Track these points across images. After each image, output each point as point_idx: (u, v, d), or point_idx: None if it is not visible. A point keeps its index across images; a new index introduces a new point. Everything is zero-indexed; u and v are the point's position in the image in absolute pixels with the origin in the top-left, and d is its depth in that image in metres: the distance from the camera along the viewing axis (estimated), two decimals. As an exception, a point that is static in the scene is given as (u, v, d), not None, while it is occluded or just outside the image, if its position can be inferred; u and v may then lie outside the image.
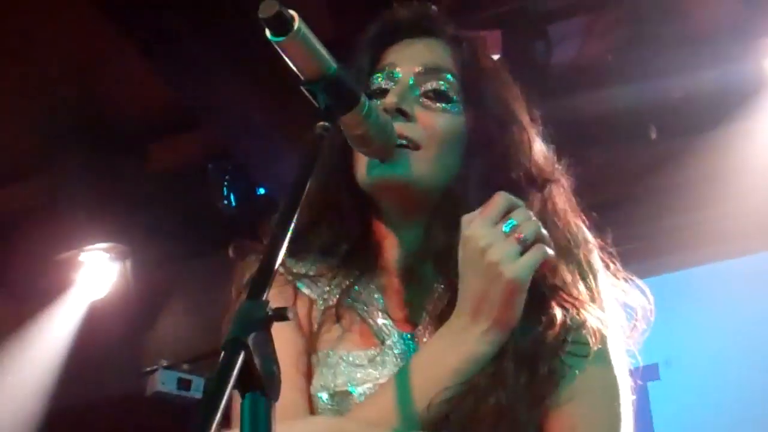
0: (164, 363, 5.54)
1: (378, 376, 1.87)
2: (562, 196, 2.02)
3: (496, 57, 3.82)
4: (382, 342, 1.92)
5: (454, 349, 1.78)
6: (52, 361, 5.75)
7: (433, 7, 2.13)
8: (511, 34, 4.68)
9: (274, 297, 1.74)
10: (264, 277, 1.45)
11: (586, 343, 1.85)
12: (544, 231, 1.76)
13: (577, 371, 1.82)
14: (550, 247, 1.76)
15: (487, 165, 1.97)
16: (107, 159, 5.57)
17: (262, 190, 5.56)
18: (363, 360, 1.90)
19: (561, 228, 1.96)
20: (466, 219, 1.78)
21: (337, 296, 1.99)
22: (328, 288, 2.01)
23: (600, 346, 1.87)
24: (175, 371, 5.50)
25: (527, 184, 1.97)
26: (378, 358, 1.90)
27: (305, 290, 2.02)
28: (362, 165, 1.95)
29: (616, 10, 4.92)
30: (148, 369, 5.58)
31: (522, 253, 1.74)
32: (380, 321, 1.96)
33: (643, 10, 4.84)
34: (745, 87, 4.84)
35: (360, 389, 1.86)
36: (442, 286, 1.95)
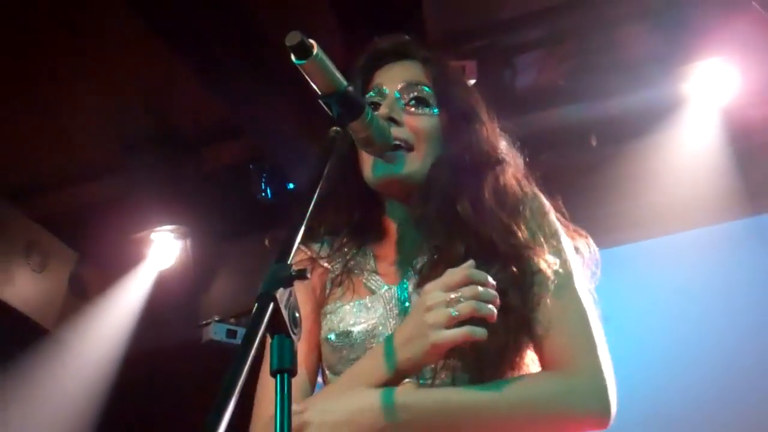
0: (216, 317, 5.54)
1: (370, 317, 1.92)
2: (513, 171, 2.04)
3: (472, 81, 3.82)
4: (373, 293, 1.95)
5: (378, 364, 1.76)
6: (130, 317, 5.75)
7: (406, 36, 2.15)
8: (485, 64, 4.67)
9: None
10: (288, 246, 1.47)
11: (546, 279, 1.87)
12: (483, 308, 1.66)
13: (547, 301, 1.83)
14: (483, 323, 1.68)
15: (456, 151, 1.99)
16: (172, 160, 5.57)
17: (291, 185, 5.55)
18: (360, 307, 1.93)
19: (510, 195, 1.98)
20: (444, 276, 1.74)
21: (341, 265, 2.03)
22: (337, 259, 2.05)
23: (564, 281, 1.89)
24: (224, 324, 5.51)
25: (485, 163, 2.00)
26: (369, 305, 1.93)
27: (321, 262, 2.06)
28: (368, 166, 1.99)
29: (566, 45, 4.90)
30: (203, 322, 5.58)
31: (460, 323, 1.67)
32: (371, 278, 1.98)
33: (587, 45, 4.82)
34: (665, 105, 4.83)
35: (357, 328, 1.90)
36: (427, 250, 1.96)
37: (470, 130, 2.01)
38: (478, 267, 1.80)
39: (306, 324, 1.95)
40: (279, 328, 1.34)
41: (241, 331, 5.44)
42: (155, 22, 4.48)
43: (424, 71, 2.06)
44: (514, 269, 1.86)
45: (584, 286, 1.97)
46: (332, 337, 1.92)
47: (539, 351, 1.87)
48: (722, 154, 4.83)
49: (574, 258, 1.99)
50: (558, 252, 1.94)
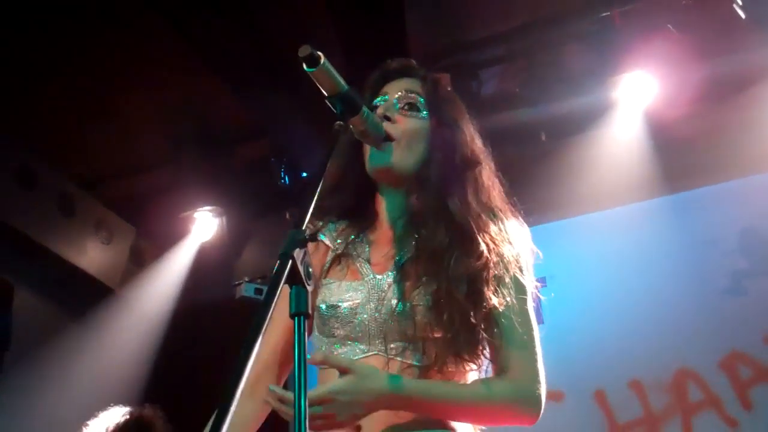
0: (246, 278, 5.54)
1: (355, 297, 1.85)
2: (488, 173, 1.99)
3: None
4: (362, 278, 1.88)
5: None
6: (178, 279, 5.76)
7: (412, 60, 2.11)
8: (456, 77, 4.67)
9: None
10: (302, 216, 1.45)
11: (507, 269, 1.84)
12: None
13: (503, 289, 1.82)
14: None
15: (442, 154, 1.94)
16: (210, 155, 5.55)
17: (304, 174, 5.53)
18: (349, 287, 1.87)
19: (487, 195, 1.96)
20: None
21: (342, 247, 1.96)
22: (339, 240, 1.98)
23: (516, 274, 1.86)
24: (253, 284, 5.51)
25: (465, 166, 1.95)
26: (357, 287, 1.86)
27: (325, 240, 2.00)
28: (366, 158, 1.95)
29: (520, 61, 4.90)
30: (236, 282, 5.58)
31: None
32: (363, 265, 1.91)
33: (537, 61, 4.81)
34: (599, 108, 4.83)
35: (344, 305, 1.84)
36: (413, 242, 1.90)
37: (453, 135, 1.97)
38: (457, 257, 1.81)
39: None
40: (296, 280, 1.33)
41: (266, 289, 5.46)
42: (198, 47, 4.49)
43: (421, 86, 2.03)
44: (489, 259, 1.82)
45: (529, 268, 1.93)
46: (323, 307, 1.86)
47: (495, 353, 1.82)
48: (644, 146, 4.83)
49: (523, 247, 1.94)
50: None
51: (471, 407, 1.76)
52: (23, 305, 5.23)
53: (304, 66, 1.60)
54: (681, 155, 4.81)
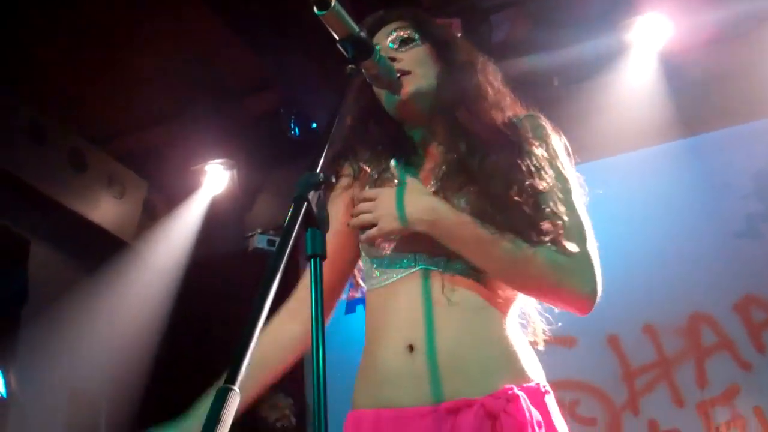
0: (259, 230, 5.57)
1: None
2: (489, 76, 2.00)
3: (459, 35, 3.79)
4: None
5: None
6: (191, 232, 5.78)
7: (381, 11, 2.10)
8: (467, 22, 4.62)
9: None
10: (317, 159, 1.45)
11: (538, 161, 1.84)
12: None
13: (551, 189, 1.80)
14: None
15: (447, 66, 1.96)
16: (220, 107, 5.54)
17: (314, 125, 5.52)
18: None
19: (491, 96, 1.95)
20: None
21: (378, 170, 1.98)
22: (379, 168, 1.99)
23: (552, 164, 1.85)
24: (265, 235, 5.53)
25: (463, 75, 1.95)
26: None
27: (366, 168, 2.02)
28: (384, 103, 1.97)
29: (531, 5, 4.85)
30: (249, 234, 5.61)
31: None
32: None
33: (549, 5, 4.77)
34: (613, 51, 4.79)
35: None
36: (443, 165, 1.93)
37: (447, 50, 1.99)
38: (482, 158, 1.83)
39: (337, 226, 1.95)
40: (311, 222, 1.34)
41: (282, 233, 5.50)
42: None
43: (408, 23, 2.03)
44: (514, 153, 1.82)
45: (575, 177, 1.91)
46: (362, 236, 1.88)
47: (542, 228, 1.75)
48: (659, 89, 4.79)
49: (563, 154, 1.93)
50: (554, 154, 1.89)
51: (521, 261, 1.71)
52: (39, 260, 5.29)
53: (315, 9, 1.58)
54: (696, 98, 4.76)
